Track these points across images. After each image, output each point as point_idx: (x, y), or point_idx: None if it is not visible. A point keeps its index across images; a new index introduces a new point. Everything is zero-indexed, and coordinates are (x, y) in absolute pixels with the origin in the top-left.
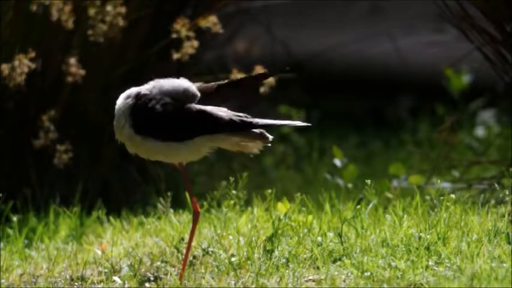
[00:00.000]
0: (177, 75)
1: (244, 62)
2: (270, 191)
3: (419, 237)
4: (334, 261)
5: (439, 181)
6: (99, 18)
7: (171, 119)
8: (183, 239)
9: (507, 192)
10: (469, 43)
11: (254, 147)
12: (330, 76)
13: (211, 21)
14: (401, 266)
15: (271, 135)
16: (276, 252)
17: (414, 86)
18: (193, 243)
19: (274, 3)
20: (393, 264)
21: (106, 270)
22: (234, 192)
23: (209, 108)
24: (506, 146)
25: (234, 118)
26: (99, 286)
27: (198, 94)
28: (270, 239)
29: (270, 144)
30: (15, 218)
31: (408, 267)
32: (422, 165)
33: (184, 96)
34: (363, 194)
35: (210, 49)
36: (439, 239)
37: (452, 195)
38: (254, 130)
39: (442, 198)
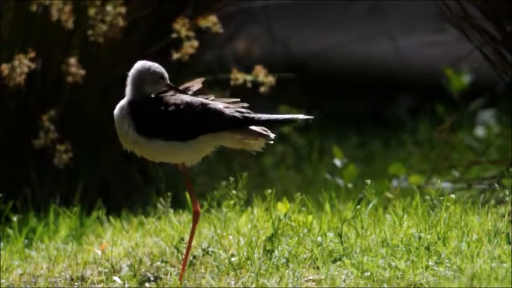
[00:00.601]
0: (177, 75)
1: (244, 62)
2: (270, 191)
3: (419, 237)
4: (334, 261)
5: (439, 181)
6: (99, 18)
7: (173, 119)
8: (183, 239)
9: (507, 192)
10: (469, 43)
11: (257, 145)
12: (330, 76)
13: (211, 21)
14: (401, 266)
15: (273, 133)
16: (276, 252)
17: (414, 86)
18: (193, 243)
19: (274, 3)
20: (393, 264)
21: (106, 270)
22: (234, 192)
23: (212, 103)
24: (506, 146)
25: (237, 114)
26: (99, 286)
27: (158, 68)
28: (270, 239)
29: (272, 142)
30: (15, 218)
31: (408, 267)
32: (422, 165)
33: (146, 81)
34: (363, 194)
35: (210, 49)
36: (439, 239)
37: (452, 195)
38: (256, 128)
39: (442, 198)
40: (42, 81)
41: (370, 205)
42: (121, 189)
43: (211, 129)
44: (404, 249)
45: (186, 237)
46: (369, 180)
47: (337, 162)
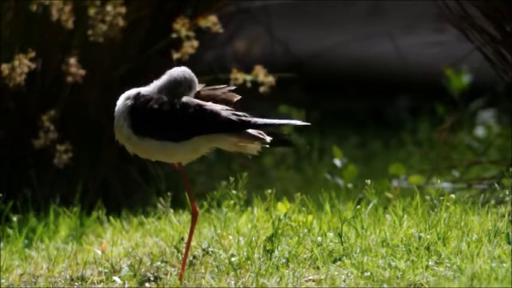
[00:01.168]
0: None
1: (244, 62)
2: (270, 191)
3: (419, 237)
4: (334, 261)
5: (439, 181)
6: (99, 18)
7: (168, 119)
8: (183, 239)
9: (507, 192)
10: (469, 43)
11: (252, 148)
12: (330, 76)
13: (211, 21)
14: (401, 266)
15: (272, 135)
16: (276, 252)
17: (414, 86)
18: (193, 243)
19: (274, 3)
20: (393, 264)
21: (106, 270)
22: (234, 192)
23: (208, 105)
24: (506, 146)
25: (233, 118)
26: (99, 286)
27: (195, 81)
28: (270, 239)
29: (268, 145)
30: (15, 218)
31: (408, 267)
32: (422, 165)
33: (181, 88)
34: (363, 194)
35: (210, 49)
36: (439, 239)
37: (452, 195)
38: (252, 131)
39: (442, 198)
40: (42, 81)
41: (370, 205)
42: (121, 189)
43: (206, 131)
44: (404, 249)
45: (186, 237)
46: (369, 180)
47: (337, 162)
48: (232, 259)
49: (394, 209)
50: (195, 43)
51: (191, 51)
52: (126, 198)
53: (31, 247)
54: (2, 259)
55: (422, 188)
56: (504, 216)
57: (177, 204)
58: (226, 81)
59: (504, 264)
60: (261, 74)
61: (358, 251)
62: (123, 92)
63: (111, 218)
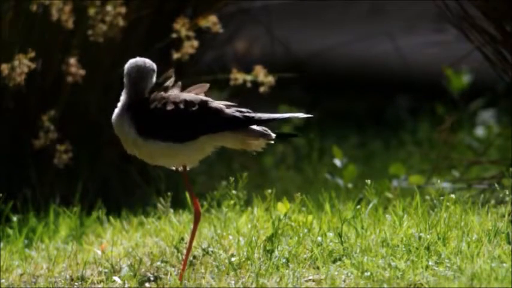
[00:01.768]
0: (177, 75)
1: (244, 62)
2: (270, 191)
3: (419, 237)
4: (334, 261)
5: (439, 181)
6: (99, 18)
7: (173, 119)
8: (183, 239)
9: (507, 192)
10: (469, 43)
11: (257, 145)
12: (330, 76)
13: (211, 21)
14: (401, 266)
15: (274, 133)
16: (276, 252)
17: (414, 86)
18: (194, 243)
19: (274, 3)
20: (393, 264)
21: (106, 270)
22: (234, 192)
23: (212, 103)
24: (506, 146)
25: (237, 114)
26: (99, 286)
27: (146, 65)
28: (270, 239)
29: (272, 142)
30: (15, 218)
31: (408, 267)
32: (422, 165)
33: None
34: (363, 194)
35: (210, 49)
36: (439, 239)
37: (452, 195)
38: (257, 128)
39: (442, 198)
40: (42, 81)
41: (370, 205)
42: (121, 189)
43: (211, 129)
44: (404, 249)
45: (186, 237)
46: (369, 180)
47: (337, 162)
48: (232, 259)
49: (394, 209)
50: (195, 43)
51: (191, 51)
52: (126, 198)
53: (31, 247)
54: (2, 259)
55: (422, 188)
56: (504, 216)
57: (177, 204)
58: (226, 81)
59: (504, 264)
60: (261, 74)
61: (358, 251)
62: (123, 92)
63: (111, 218)
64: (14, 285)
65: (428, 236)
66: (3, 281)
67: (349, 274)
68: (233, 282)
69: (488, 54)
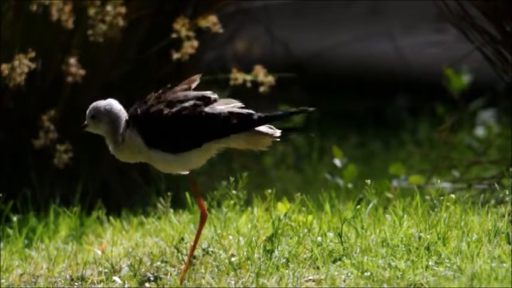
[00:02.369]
0: (177, 75)
1: (244, 62)
2: (270, 191)
3: (419, 237)
4: (334, 261)
5: (439, 181)
6: (99, 18)
7: (177, 128)
8: (183, 239)
9: (507, 192)
10: (469, 43)
11: (263, 144)
12: (330, 76)
13: (211, 21)
14: (401, 266)
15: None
16: (276, 252)
17: (414, 86)
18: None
19: (274, 3)
20: (393, 264)
21: (106, 270)
22: (234, 192)
23: (215, 109)
24: (506, 146)
25: (242, 118)
26: (99, 286)
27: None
28: (270, 239)
29: (278, 139)
30: (15, 218)
31: (408, 267)
32: (422, 165)
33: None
34: (363, 194)
35: (210, 49)
36: (439, 239)
37: (452, 195)
38: (262, 128)
39: (442, 198)
40: (42, 81)
41: (370, 205)
42: (121, 189)
43: (217, 136)
44: (404, 249)
45: (186, 237)
46: (369, 180)
47: (337, 162)
48: (232, 259)
49: (394, 209)
50: (195, 43)
51: (191, 51)
52: (126, 198)
53: (31, 247)
54: (2, 259)
55: (422, 188)
56: (504, 216)
57: (177, 204)
58: (226, 81)
59: (504, 264)
60: (261, 74)
61: (358, 251)
62: (123, 92)
63: (111, 218)
64: (14, 285)
65: (428, 236)
66: (3, 281)
67: (349, 274)
68: (233, 282)
69: (488, 54)
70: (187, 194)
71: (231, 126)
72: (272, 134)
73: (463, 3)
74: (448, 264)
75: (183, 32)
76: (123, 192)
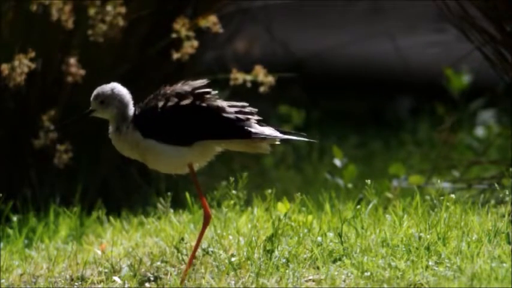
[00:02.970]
0: (177, 75)
1: (244, 62)
2: (270, 191)
3: (419, 237)
4: (334, 261)
5: (439, 181)
6: (99, 18)
7: (177, 121)
8: (183, 239)
9: (507, 192)
10: (469, 43)
11: (264, 148)
12: (330, 76)
13: (211, 21)
14: (401, 266)
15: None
16: (276, 252)
17: (414, 86)
18: (194, 243)
19: (274, 3)
20: (393, 264)
21: (106, 270)
22: (234, 192)
23: (222, 110)
24: (506, 146)
25: (239, 126)
26: (99, 286)
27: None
28: (270, 239)
29: (278, 143)
30: (15, 218)
31: (408, 267)
32: (422, 165)
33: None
34: (363, 194)
35: (210, 49)
36: (439, 239)
37: (452, 195)
38: (263, 130)
39: (442, 198)
40: (42, 81)
41: (370, 205)
42: (121, 189)
43: (211, 137)
44: (404, 249)
45: (186, 237)
46: (369, 180)
47: (337, 162)
48: (232, 259)
49: (394, 209)
50: (195, 43)
51: (191, 51)
52: (126, 198)
53: (31, 247)
54: (2, 259)
55: (422, 188)
56: (504, 216)
57: (177, 204)
58: (226, 81)
59: (504, 264)
60: (261, 74)
61: (358, 251)
62: None
63: (111, 218)
64: (14, 285)
65: (428, 236)
66: (3, 281)
67: (349, 274)
68: (233, 282)
69: (488, 54)
70: (187, 194)
71: (234, 131)
72: (273, 139)
73: (463, 3)
74: (448, 264)
75: (183, 32)
76: (123, 192)
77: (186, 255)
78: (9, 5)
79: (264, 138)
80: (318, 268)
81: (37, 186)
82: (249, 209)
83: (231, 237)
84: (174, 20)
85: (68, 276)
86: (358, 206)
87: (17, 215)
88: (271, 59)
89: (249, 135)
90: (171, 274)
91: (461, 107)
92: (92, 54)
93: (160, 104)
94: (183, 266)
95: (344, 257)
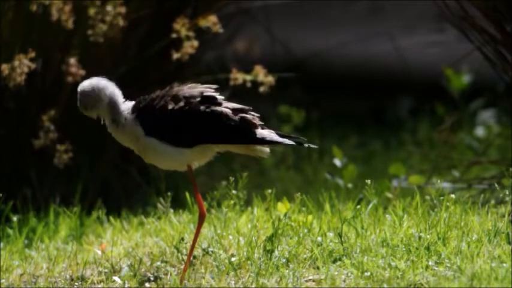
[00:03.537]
0: (177, 75)
1: (244, 62)
2: (270, 191)
3: (419, 237)
4: (334, 261)
5: (439, 181)
6: (99, 18)
7: (179, 123)
8: (183, 239)
9: (507, 192)
10: (469, 43)
11: (263, 152)
12: (330, 76)
13: (211, 21)
14: (401, 266)
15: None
16: (276, 252)
17: (414, 86)
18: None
19: (274, 3)
20: (393, 264)
21: (106, 270)
22: (234, 192)
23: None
24: (506, 146)
25: (240, 131)
26: (99, 286)
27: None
28: (270, 239)
29: (277, 148)
30: (15, 218)
31: (408, 267)
32: (422, 165)
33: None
34: (363, 194)
35: (210, 49)
36: (439, 239)
37: (452, 195)
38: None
39: (442, 198)
40: (42, 81)
41: (370, 205)
42: (121, 189)
43: (211, 141)
44: (404, 249)
45: (186, 237)
46: (369, 180)
47: (337, 162)
48: (232, 259)
49: (394, 209)
50: (195, 43)
51: (191, 51)
52: (126, 198)
53: (31, 247)
54: (2, 259)
55: (422, 188)
56: (504, 216)
57: (177, 204)
58: (226, 81)
59: (504, 264)
60: (261, 74)
61: (358, 251)
62: (123, 92)
63: (111, 218)
64: (14, 285)
65: (428, 236)
66: (3, 281)
67: (349, 274)
68: (233, 282)
69: (488, 54)
70: (187, 194)
71: (229, 135)
72: (274, 144)
73: (463, 3)
74: (448, 264)
75: (183, 32)
76: (123, 192)
77: (186, 255)
78: (9, 5)
79: (266, 142)
80: (318, 268)
81: (37, 186)
82: (249, 209)
83: (231, 237)
84: (174, 20)
85: (68, 276)
86: (358, 206)
87: (17, 215)
88: (271, 59)
89: (252, 141)
90: (171, 274)
91: (461, 107)
92: (92, 54)
93: (167, 105)
94: (183, 266)
95: (344, 257)
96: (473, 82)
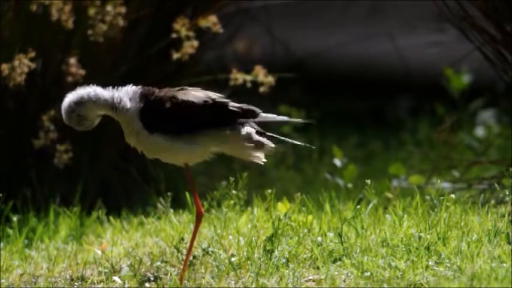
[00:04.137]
0: (177, 75)
1: (244, 62)
2: (270, 191)
3: (419, 237)
4: (334, 261)
5: (439, 181)
6: (99, 18)
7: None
8: (183, 239)
9: (507, 192)
10: (469, 43)
11: (259, 157)
12: (330, 76)
13: (211, 21)
14: (401, 266)
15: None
16: (276, 252)
17: (414, 86)
18: (194, 244)
19: (274, 3)
20: (393, 264)
21: (106, 270)
22: (234, 192)
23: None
24: (506, 146)
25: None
26: (99, 286)
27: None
28: (270, 239)
29: (273, 151)
30: (15, 218)
31: (408, 267)
32: (422, 165)
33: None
34: (363, 194)
35: (210, 49)
36: (439, 239)
37: (452, 195)
38: (257, 138)
39: (442, 198)
40: (42, 81)
41: (370, 205)
42: (121, 189)
43: (216, 123)
44: (404, 249)
45: (186, 237)
46: (369, 180)
47: (337, 162)
48: (232, 259)
49: (394, 209)
50: (195, 43)
51: (191, 51)
52: (126, 198)
53: (31, 247)
54: (2, 259)
55: (422, 188)
56: (504, 216)
57: (177, 204)
58: (226, 81)
59: (504, 264)
60: (261, 74)
61: (358, 251)
62: None
63: (111, 218)
64: (14, 285)
65: (428, 236)
66: (3, 281)
67: (349, 274)
68: (233, 282)
69: (488, 54)
70: (187, 194)
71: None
72: (267, 145)
73: (463, 3)
74: (448, 264)
75: (183, 32)
76: (123, 192)
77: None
78: (9, 5)
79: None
80: (318, 268)
81: (37, 186)
82: (249, 209)
83: (231, 237)
84: (174, 20)
85: (68, 276)
86: (358, 206)
87: (17, 215)
88: (271, 59)
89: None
90: (171, 274)
91: (461, 107)
92: (92, 54)
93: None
94: (182, 267)
95: (344, 257)
96: (473, 82)
